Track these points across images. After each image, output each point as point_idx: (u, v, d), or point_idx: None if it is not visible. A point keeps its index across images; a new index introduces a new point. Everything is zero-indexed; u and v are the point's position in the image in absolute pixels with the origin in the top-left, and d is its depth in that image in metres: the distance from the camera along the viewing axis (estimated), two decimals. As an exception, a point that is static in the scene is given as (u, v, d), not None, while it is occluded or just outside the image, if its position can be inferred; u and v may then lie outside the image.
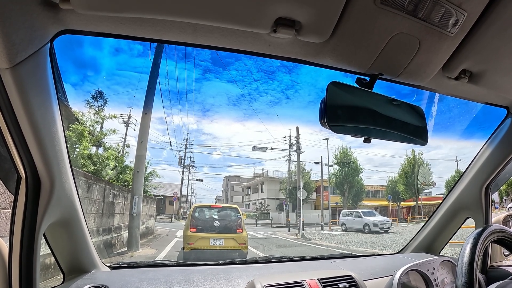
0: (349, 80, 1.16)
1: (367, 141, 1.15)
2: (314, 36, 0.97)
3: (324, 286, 1.46)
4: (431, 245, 2.22)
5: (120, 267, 1.71)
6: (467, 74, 1.22)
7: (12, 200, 1.12)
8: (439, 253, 2.22)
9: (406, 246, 2.38)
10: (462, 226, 2.11)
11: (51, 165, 1.13)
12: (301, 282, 1.45)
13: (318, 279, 1.48)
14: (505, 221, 2.08)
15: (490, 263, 1.89)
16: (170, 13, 0.88)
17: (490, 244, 1.17)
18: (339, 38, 1.00)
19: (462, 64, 1.17)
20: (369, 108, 1.15)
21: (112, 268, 1.66)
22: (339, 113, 1.07)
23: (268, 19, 0.90)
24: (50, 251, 1.41)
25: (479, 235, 1.07)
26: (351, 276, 1.54)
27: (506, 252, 1.94)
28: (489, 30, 1.01)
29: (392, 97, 1.19)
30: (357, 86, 1.16)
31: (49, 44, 0.99)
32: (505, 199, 30.71)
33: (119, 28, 0.99)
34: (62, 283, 1.44)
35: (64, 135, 1.20)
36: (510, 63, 1.17)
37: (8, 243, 1.11)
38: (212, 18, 0.91)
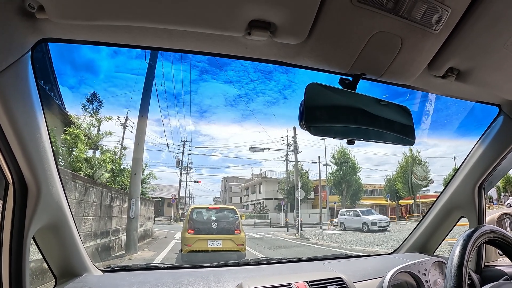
0: (333, 82, 1.15)
1: (350, 143, 1.13)
2: (291, 37, 0.96)
3: None
4: (425, 245, 2.22)
5: (112, 270, 1.71)
6: (455, 72, 1.20)
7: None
8: (434, 252, 2.21)
9: (400, 246, 2.38)
10: (460, 224, 2.11)
11: (37, 171, 1.14)
12: (289, 285, 1.44)
13: (307, 281, 1.48)
14: (499, 219, 2.07)
15: (484, 263, 1.88)
16: (143, 19, 0.88)
17: (484, 245, 1.15)
18: (317, 39, 0.99)
19: (448, 62, 1.15)
20: (352, 109, 1.13)
21: (104, 271, 1.66)
22: (319, 114, 1.06)
23: (241, 22, 0.89)
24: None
25: (469, 236, 1.06)
26: (341, 278, 1.54)
27: (501, 252, 1.93)
28: (475, 26, 0.99)
29: (376, 97, 1.18)
30: (340, 87, 1.14)
31: (30, 52, 1.00)
32: (503, 196, 30.78)
33: (97, 36, 1.00)
34: (54, 287, 1.44)
35: (50, 141, 1.21)
36: (498, 60, 1.14)
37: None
38: (185, 23, 0.90)
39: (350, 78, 1.16)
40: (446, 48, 1.08)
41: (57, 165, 1.28)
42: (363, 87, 1.17)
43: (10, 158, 1.05)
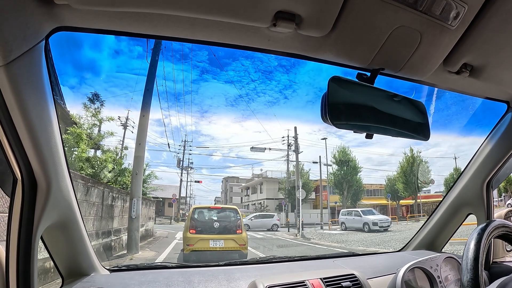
0: (350, 77, 1.15)
1: (369, 136, 1.14)
2: (315, 30, 0.96)
3: (327, 285, 1.44)
4: (433, 242, 2.22)
5: (119, 269, 1.69)
6: (468, 68, 1.21)
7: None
8: (441, 250, 2.21)
9: (408, 243, 2.37)
10: (466, 223, 2.11)
11: (47, 165, 1.10)
12: (303, 282, 1.43)
13: (320, 278, 1.46)
14: (506, 216, 2.07)
15: (493, 259, 1.88)
16: (167, 7, 0.86)
17: (493, 239, 1.16)
18: (340, 32, 0.99)
19: (463, 58, 1.16)
20: (370, 103, 1.14)
21: (111, 271, 1.64)
22: (341, 109, 1.07)
23: (268, 13, 0.88)
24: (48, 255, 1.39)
25: (483, 230, 1.06)
26: (354, 274, 1.53)
27: (509, 248, 1.93)
28: (490, 23, 1.00)
29: (393, 92, 1.18)
30: (357, 81, 1.15)
31: (44, 41, 0.97)
32: (504, 196, 30.76)
33: (116, 24, 0.97)
34: (61, 286, 1.41)
35: (61, 135, 1.17)
36: (511, 57, 1.16)
37: (5, 247, 1.09)
38: (210, 12, 0.89)
39: (368, 73, 1.17)
40: (462, 44, 1.09)
41: (66, 160, 1.24)
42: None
43: (19, 151, 1.01)
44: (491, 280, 1.32)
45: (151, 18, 0.94)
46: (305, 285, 1.42)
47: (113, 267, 1.68)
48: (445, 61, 1.17)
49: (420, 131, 1.26)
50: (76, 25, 0.97)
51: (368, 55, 1.08)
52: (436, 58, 1.13)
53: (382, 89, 1.16)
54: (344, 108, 1.08)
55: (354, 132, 1.13)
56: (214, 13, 0.89)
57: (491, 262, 1.87)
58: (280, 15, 0.89)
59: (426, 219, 2.31)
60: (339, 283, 1.46)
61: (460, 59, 1.17)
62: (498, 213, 2.04)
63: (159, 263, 1.89)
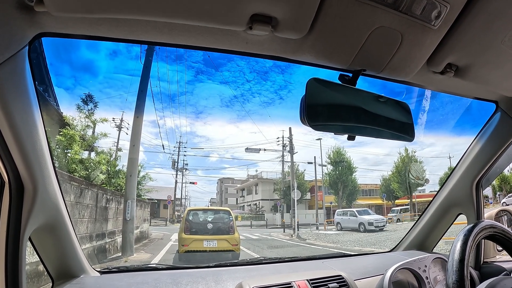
0: (333, 78, 1.14)
1: (351, 138, 1.14)
2: (292, 32, 0.96)
3: (314, 287, 1.45)
4: (424, 242, 2.22)
5: (110, 271, 1.69)
6: (453, 68, 1.20)
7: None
8: (432, 250, 2.22)
9: (398, 244, 2.38)
10: (457, 222, 2.11)
11: (33, 169, 1.12)
12: (290, 284, 1.43)
13: (307, 280, 1.46)
14: (497, 216, 2.08)
15: (483, 259, 1.88)
16: (144, 13, 0.87)
17: (482, 240, 1.15)
18: (318, 34, 0.98)
19: (447, 58, 1.15)
20: (352, 105, 1.13)
21: (102, 272, 1.63)
22: (320, 110, 1.06)
23: (243, 16, 0.88)
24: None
25: (469, 231, 1.06)
26: (341, 276, 1.53)
27: (500, 248, 1.93)
28: (474, 22, 0.99)
29: (376, 93, 1.18)
30: (339, 82, 1.14)
31: (27, 47, 0.98)
32: (499, 194, 30.98)
33: (96, 30, 0.98)
34: None
35: (47, 139, 1.19)
36: (496, 56, 1.15)
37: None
38: (186, 16, 0.89)
39: (350, 74, 1.16)
40: (445, 43, 1.08)
41: (53, 163, 1.26)
42: (361, 86, 1.17)
43: (6, 155, 1.03)
44: (481, 280, 1.33)
45: (130, 23, 0.95)
46: (292, 286, 1.42)
47: (103, 269, 1.68)
48: (428, 61, 1.17)
49: (405, 131, 1.25)
50: (57, 31, 0.97)
51: (348, 56, 1.08)
52: (419, 58, 1.12)
53: (365, 90, 1.15)
54: (323, 110, 1.07)
55: (334, 134, 1.13)
56: (190, 18, 0.90)
57: (481, 262, 1.87)
58: (256, 18, 0.89)
59: (417, 218, 2.32)
60: (326, 285, 1.46)
61: (444, 59, 1.16)
62: (489, 213, 2.05)
63: (149, 265, 1.90)
